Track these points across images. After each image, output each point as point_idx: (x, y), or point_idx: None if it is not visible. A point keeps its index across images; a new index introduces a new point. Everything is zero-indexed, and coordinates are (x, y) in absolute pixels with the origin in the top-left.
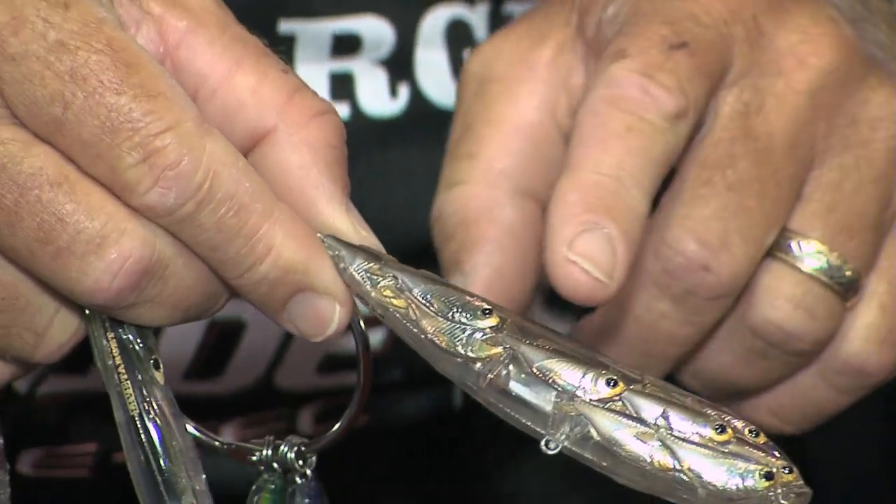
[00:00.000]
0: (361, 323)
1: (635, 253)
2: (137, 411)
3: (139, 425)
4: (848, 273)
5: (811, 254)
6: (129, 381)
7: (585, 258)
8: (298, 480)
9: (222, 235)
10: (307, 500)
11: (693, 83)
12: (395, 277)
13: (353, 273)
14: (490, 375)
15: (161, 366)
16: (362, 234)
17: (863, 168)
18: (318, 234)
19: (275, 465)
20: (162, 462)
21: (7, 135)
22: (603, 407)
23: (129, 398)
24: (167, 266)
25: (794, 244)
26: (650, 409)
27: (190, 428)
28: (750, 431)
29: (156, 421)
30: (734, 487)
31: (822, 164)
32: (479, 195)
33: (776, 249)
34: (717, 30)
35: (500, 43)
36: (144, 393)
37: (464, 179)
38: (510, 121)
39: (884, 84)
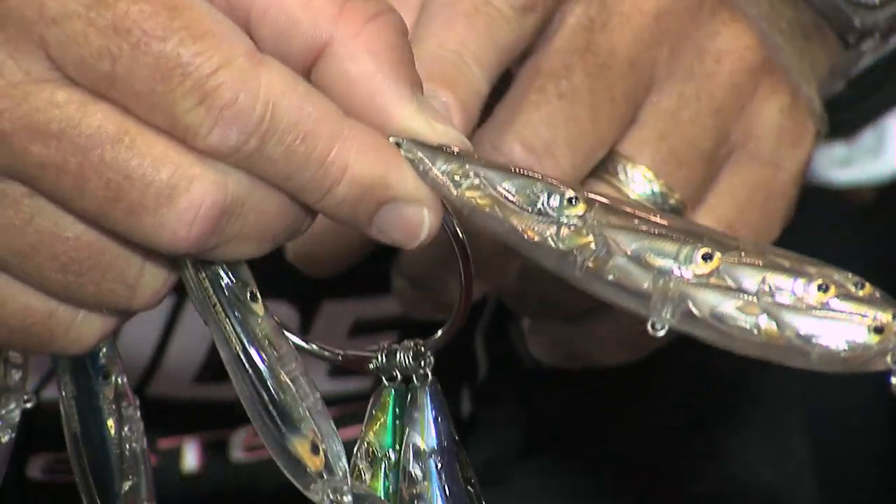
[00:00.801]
0: (455, 223)
1: (471, 126)
2: (241, 346)
3: (245, 360)
4: (672, 202)
5: (638, 179)
6: (227, 319)
7: None
8: (417, 382)
9: (293, 164)
10: (429, 400)
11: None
12: (476, 176)
13: (435, 176)
14: (586, 264)
15: (259, 297)
16: (440, 130)
17: (703, 99)
18: (393, 140)
19: (395, 371)
20: (274, 393)
21: (62, 97)
22: (701, 283)
23: (229, 335)
24: (244, 203)
25: (621, 167)
26: (749, 278)
27: (297, 341)
28: (854, 285)
29: (261, 353)
30: (845, 346)
31: (661, 91)
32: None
33: (604, 171)
34: None
35: None
36: (245, 327)
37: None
38: None
39: (737, 20)
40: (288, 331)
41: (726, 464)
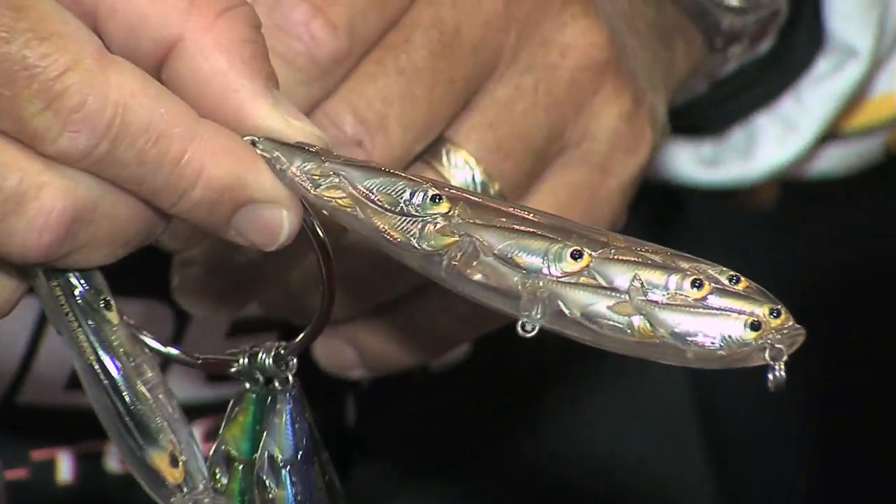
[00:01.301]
0: (316, 223)
1: None
2: (95, 356)
3: (99, 370)
4: (492, 192)
5: (459, 164)
6: (80, 328)
7: None
8: (279, 386)
9: (146, 168)
10: (288, 405)
11: (369, 17)
12: (336, 174)
13: (294, 176)
14: (452, 265)
15: (113, 305)
16: (296, 126)
17: (540, 93)
18: (249, 138)
19: (257, 374)
20: (130, 404)
21: None
22: (571, 282)
23: (83, 345)
24: (95, 209)
25: (445, 151)
26: (621, 276)
27: (155, 345)
28: (729, 279)
29: (116, 362)
30: (721, 343)
31: (500, 78)
32: None
33: (428, 154)
34: None
35: None
36: (99, 336)
37: None
38: None
39: (587, 15)
40: (150, 335)
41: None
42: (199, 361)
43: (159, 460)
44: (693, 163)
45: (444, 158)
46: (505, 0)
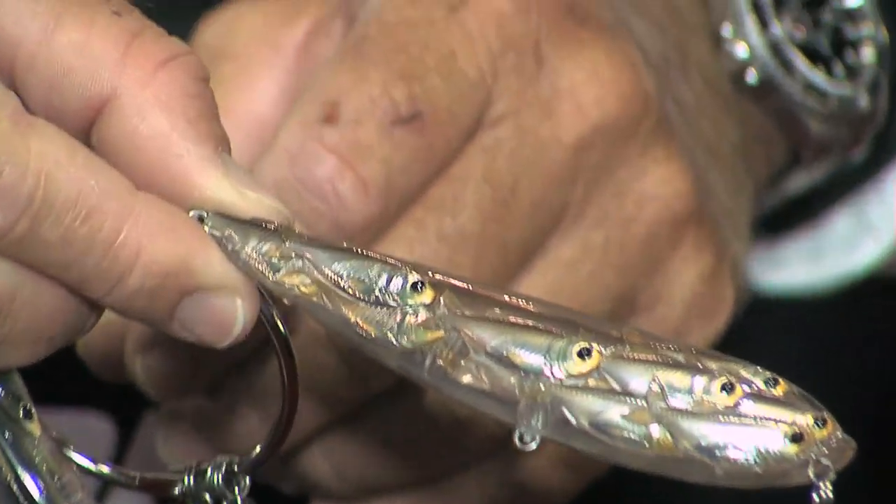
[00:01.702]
0: (275, 313)
1: None
2: (13, 474)
3: (17, 491)
4: None
5: None
6: None
7: None
8: None
9: (73, 250)
10: None
11: (410, 172)
12: (299, 257)
13: (249, 258)
14: (437, 364)
15: (34, 414)
16: (252, 198)
17: (610, 251)
18: (195, 213)
19: (205, 494)
20: None
21: None
22: (578, 385)
23: None
24: (13, 299)
25: None
26: (637, 378)
27: (84, 462)
28: (766, 382)
29: (39, 482)
30: (757, 460)
31: (565, 233)
32: None
33: None
34: (473, 78)
35: (244, 13)
36: (18, 451)
37: None
38: (238, 112)
39: (671, 158)
40: (79, 451)
41: None
42: (137, 480)
43: None
44: (781, 263)
45: None
46: (575, 148)
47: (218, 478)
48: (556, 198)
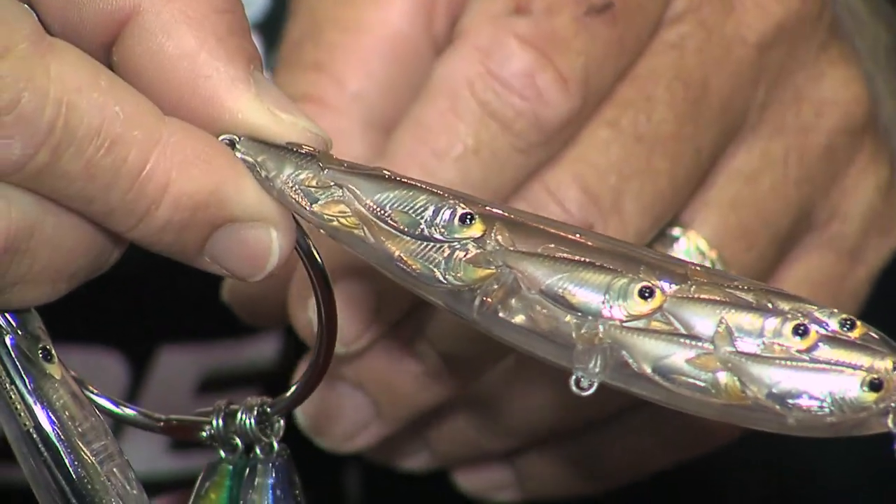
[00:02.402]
0: (313, 246)
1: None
2: (31, 421)
3: (37, 438)
4: None
5: (688, 252)
6: (13, 386)
7: None
8: (261, 455)
9: (97, 182)
10: (271, 480)
11: (604, 66)
12: (339, 186)
13: (284, 187)
14: (487, 303)
15: (54, 356)
16: (287, 121)
17: (791, 163)
18: (226, 138)
19: (235, 438)
20: (76, 479)
21: None
22: (640, 328)
23: (16, 407)
24: (32, 235)
25: (677, 236)
26: (703, 320)
27: (107, 404)
28: (842, 324)
29: (58, 429)
30: (832, 408)
31: (743, 142)
32: (324, 119)
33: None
34: None
35: None
36: (38, 395)
37: (310, 94)
38: (372, 29)
39: (847, 60)
40: (100, 392)
41: None
42: (162, 423)
43: None
44: None
45: (675, 245)
46: (758, 46)
47: (250, 420)
48: (741, 100)
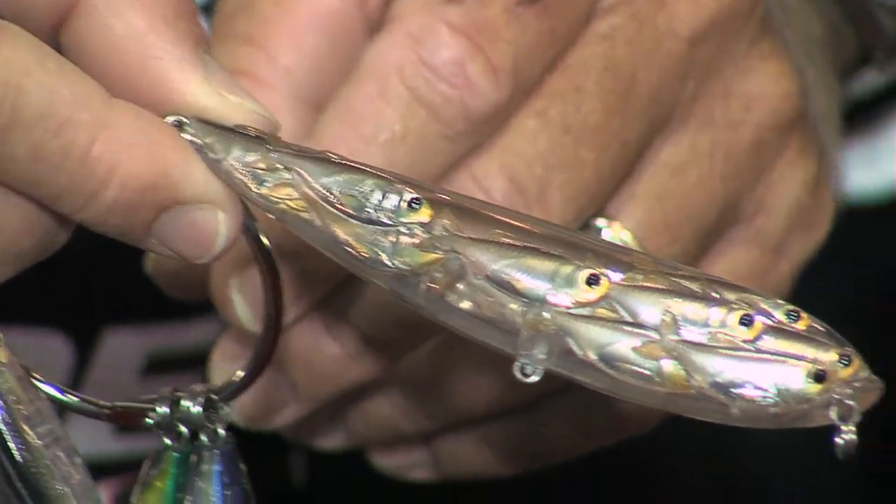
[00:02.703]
0: (260, 230)
1: None
2: None
3: None
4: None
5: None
6: None
7: None
8: (207, 442)
9: (44, 165)
10: (217, 467)
11: (535, 57)
12: (287, 169)
13: (231, 169)
14: (433, 288)
15: (1, 339)
16: (235, 103)
17: (718, 157)
18: (174, 119)
19: (179, 425)
20: (21, 463)
21: None
22: (585, 315)
23: None
24: None
25: (601, 227)
26: (649, 309)
27: (51, 390)
28: (787, 315)
29: (3, 412)
30: (776, 399)
31: (671, 135)
32: (254, 94)
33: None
34: None
35: None
36: None
37: (242, 68)
38: (306, 4)
39: (778, 55)
40: (42, 378)
41: None
42: (107, 411)
43: None
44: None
45: (594, 234)
46: (690, 40)
47: (196, 407)
48: (670, 93)
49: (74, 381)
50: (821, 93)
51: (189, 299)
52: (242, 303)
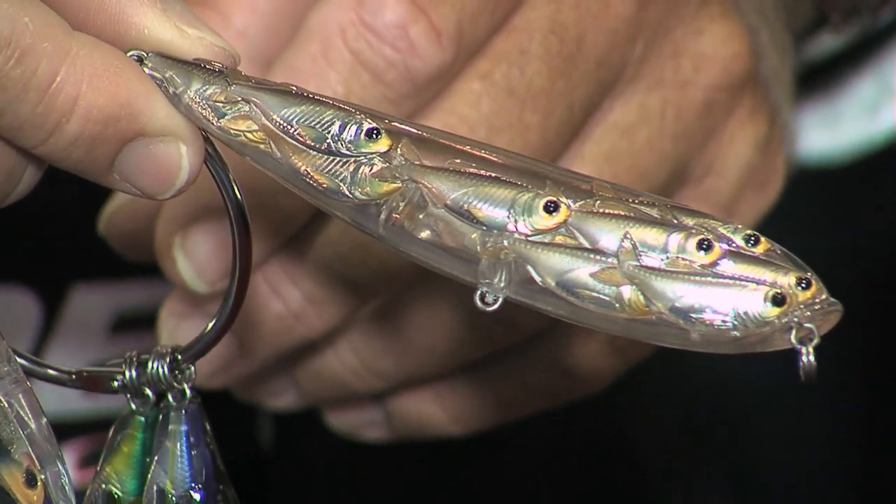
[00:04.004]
0: (224, 161)
1: None
2: None
3: None
4: None
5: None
6: None
7: None
8: (173, 402)
9: (7, 94)
10: (184, 427)
11: (479, 20)
12: (246, 101)
13: (191, 102)
14: (393, 217)
15: None
16: (194, 36)
17: (668, 117)
18: (134, 54)
19: (146, 389)
20: None
21: None
22: (545, 242)
23: None
24: None
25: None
26: (608, 235)
27: (19, 359)
28: (746, 239)
29: None
30: (735, 323)
31: (621, 95)
32: None
33: None
34: None
35: None
36: None
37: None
38: None
39: (728, 16)
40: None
41: None
42: (73, 377)
43: (10, 478)
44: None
45: None
46: (637, 1)
47: (162, 368)
48: (618, 55)
49: (42, 338)
50: (773, 54)
51: (142, 260)
52: (185, 262)
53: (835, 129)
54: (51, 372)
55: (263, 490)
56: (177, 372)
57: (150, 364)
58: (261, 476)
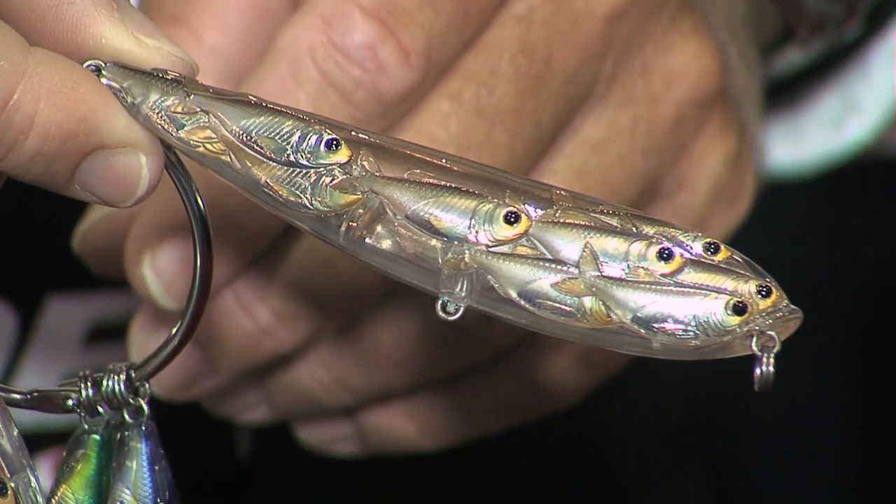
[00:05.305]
0: (185, 169)
1: None
2: None
3: None
4: None
5: None
6: None
7: None
8: (129, 420)
9: None
10: (144, 444)
11: (448, 39)
12: (205, 112)
13: (150, 113)
14: (353, 228)
15: None
16: (151, 46)
17: (639, 133)
18: (91, 64)
19: (99, 407)
20: None
21: None
22: (505, 253)
23: None
24: None
25: None
26: (569, 245)
27: None
28: (706, 247)
29: None
30: (696, 332)
31: (592, 111)
32: None
33: None
34: None
35: None
36: None
37: None
38: None
39: (698, 32)
40: None
41: None
42: (27, 397)
43: None
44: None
45: None
46: (608, 19)
47: (119, 385)
48: (588, 72)
49: (17, 350)
50: (743, 70)
51: (116, 277)
52: (154, 279)
53: (799, 143)
54: (7, 395)
55: (241, 503)
56: (134, 389)
57: (104, 382)
58: (239, 489)
